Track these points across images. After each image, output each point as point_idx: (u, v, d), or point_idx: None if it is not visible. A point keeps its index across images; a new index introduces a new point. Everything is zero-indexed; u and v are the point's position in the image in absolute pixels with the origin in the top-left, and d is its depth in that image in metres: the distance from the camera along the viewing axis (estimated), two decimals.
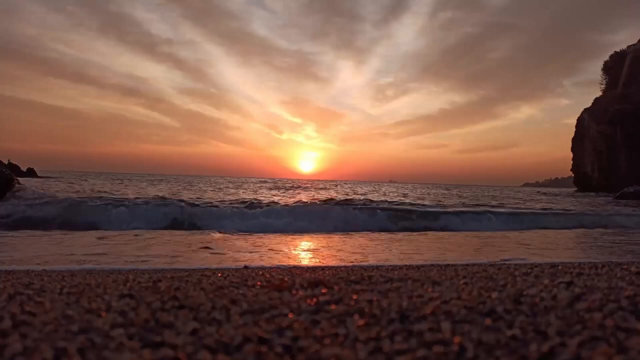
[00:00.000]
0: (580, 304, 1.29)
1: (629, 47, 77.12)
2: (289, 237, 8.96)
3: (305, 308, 1.32)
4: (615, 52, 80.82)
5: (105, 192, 19.23)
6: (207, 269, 4.12)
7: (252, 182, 51.72)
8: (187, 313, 1.27)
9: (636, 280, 1.75)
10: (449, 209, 14.57)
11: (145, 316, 1.22)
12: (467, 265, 3.25)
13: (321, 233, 9.95)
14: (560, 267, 2.36)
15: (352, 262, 5.78)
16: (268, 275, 2.31)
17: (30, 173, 46.39)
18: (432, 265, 3.64)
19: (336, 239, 8.83)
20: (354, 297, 1.47)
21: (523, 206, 19.16)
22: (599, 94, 79.56)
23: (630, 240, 9.15)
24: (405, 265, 3.56)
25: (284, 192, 28.03)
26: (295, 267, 4.72)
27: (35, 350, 0.92)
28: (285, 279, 1.93)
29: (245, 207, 12.85)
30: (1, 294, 1.61)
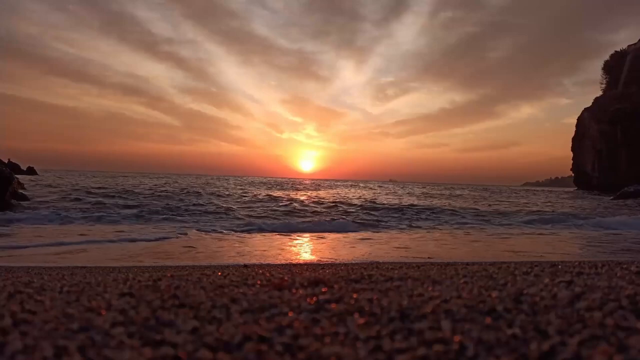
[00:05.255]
0: (580, 303, 1.29)
1: (629, 46, 77.07)
2: None
3: (305, 307, 1.32)
4: (616, 51, 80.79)
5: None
6: (207, 267, 4.12)
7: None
8: (187, 311, 1.27)
9: (636, 279, 1.74)
10: None
11: (145, 314, 1.22)
12: (467, 264, 3.25)
13: None
14: (560, 267, 2.36)
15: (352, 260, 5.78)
16: (268, 274, 2.31)
17: (30, 171, 46.36)
18: (432, 264, 3.64)
19: None
20: (354, 295, 1.47)
21: None
22: (599, 93, 79.56)
23: None
24: (405, 264, 3.57)
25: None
26: (295, 265, 4.72)
27: (35, 348, 0.92)
28: (286, 278, 1.93)
29: None
30: (1, 292, 1.61)
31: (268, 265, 5.22)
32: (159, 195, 19.72)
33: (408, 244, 9.26)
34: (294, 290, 1.59)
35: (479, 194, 39.80)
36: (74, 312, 1.26)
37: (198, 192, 23.88)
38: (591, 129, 70.05)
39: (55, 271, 3.51)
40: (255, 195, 23.81)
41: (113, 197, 18.30)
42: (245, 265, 4.68)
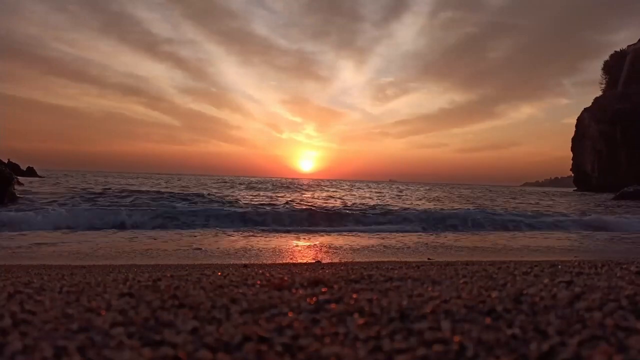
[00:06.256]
0: (580, 303, 1.29)
1: (629, 46, 77.14)
2: None
3: (305, 307, 1.32)
4: (616, 51, 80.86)
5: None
6: (207, 267, 4.11)
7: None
8: (187, 312, 1.27)
9: (636, 279, 1.74)
10: None
11: (145, 315, 1.22)
12: (467, 264, 3.25)
13: None
14: (560, 267, 2.36)
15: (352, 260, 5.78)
16: (268, 274, 2.31)
17: (30, 172, 46.31)
18: (431, 264, 3.64)
19: None
20: (354, 296, 1.47)
21: None
22: (598, 93, 79.61)
23: None
24: (405, 264, 3.57)
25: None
26: (295, 265, 4.72)
27: (35, 348, 0.92)
28: (285, 278, 1.93)
29: None
30: (1, 292, 1.61)
31: (268, 265, 5.22)
32: (164, 194, 19.56)
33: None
34: (293, 291, 1.59)
35: (483, 194, 39.89)
36: (74, 312, 1.26)
37: (210, 191, 23.71)
38: (591, 129, 70.09)
39: (55, 271, 3.51)
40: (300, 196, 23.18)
41: (115, 196, 18.20)
42: (245, 265, 4.68)
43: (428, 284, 1.76)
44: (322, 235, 10.30)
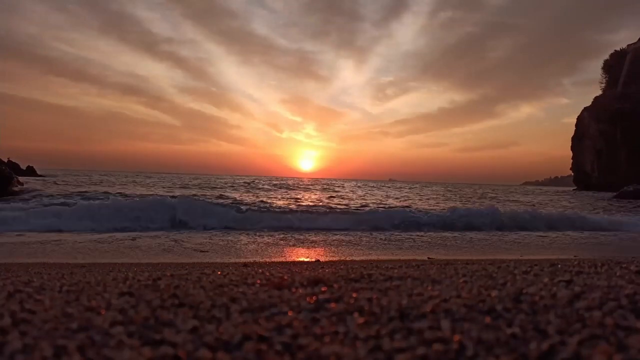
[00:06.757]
0: (580, 303, 1.29)
1: (629, 45, 77.12)
2: None
3: (305, 306, 1.32)
4: (616, 50, 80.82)
5: None
6: (206, 266, 4.12)
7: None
8: (186, 311, 1.27)
9: (636, 279, 1.75)
10: None
11: (145, 314, 1.22)
12: (467, 263, 3.26)
13: None
14: (559, 266, 2.36)
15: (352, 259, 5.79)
16: (268, 274, 2.31)
17: (30, 171, 46.28)
18: (431, 263, 3.64)
19: None
20: (354, 295, 1.47)
21: None
22: (598, 93, 79.55)
23: None
24: (405, 263, 3.58)
25: None
26: (294, 264, 4.72)
27: (35, 347, 0.92)
28: (285, 277, 1.93)
29: None
30: (1, 291, 1.61)
31: (268, 264, 5.22)
32: (164, 197, 19.33)
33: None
34: (293, 290, 1.59)
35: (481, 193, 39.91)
36: (74, 311, 1.26)
37: (209, 191, 23.56)
38: (591, 129, 70.09)
39: (54, 270, 3.51)
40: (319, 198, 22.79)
41: (114, 196, 18.14)
42: (245, 265, 4.68)
43: (428, 283, 1.76)
44: (322, 234, 10.30)
